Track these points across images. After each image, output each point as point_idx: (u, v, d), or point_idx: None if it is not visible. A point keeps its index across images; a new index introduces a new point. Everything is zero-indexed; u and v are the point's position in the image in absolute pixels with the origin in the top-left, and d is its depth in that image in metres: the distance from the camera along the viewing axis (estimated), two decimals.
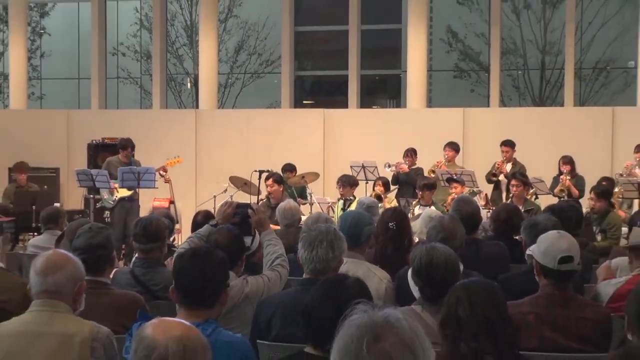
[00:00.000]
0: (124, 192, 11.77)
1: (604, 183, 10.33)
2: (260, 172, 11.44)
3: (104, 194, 12.01)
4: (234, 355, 3.31)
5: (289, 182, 11.97)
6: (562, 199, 11.05)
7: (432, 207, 9.78)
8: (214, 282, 3.52)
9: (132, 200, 11.91)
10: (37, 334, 3.36)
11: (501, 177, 12.11)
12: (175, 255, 4.12)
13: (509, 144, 12.39)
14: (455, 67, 22.16)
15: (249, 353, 3.43)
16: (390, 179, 12.05)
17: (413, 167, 12.51)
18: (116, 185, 11.69)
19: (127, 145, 12.10)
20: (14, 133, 15.90)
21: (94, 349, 3.35)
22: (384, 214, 5.99)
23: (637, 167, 11.88)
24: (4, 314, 4.06)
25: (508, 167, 12.17)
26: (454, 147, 12.67)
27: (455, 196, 10.58)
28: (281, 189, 10.49)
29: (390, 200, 11.40)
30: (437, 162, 12.35)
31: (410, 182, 11.81)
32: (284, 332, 4.03)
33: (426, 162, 12.63)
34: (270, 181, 10.44)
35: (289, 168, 12.74)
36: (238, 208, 5.06)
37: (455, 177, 11.17)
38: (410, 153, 12.62)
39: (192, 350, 2.18)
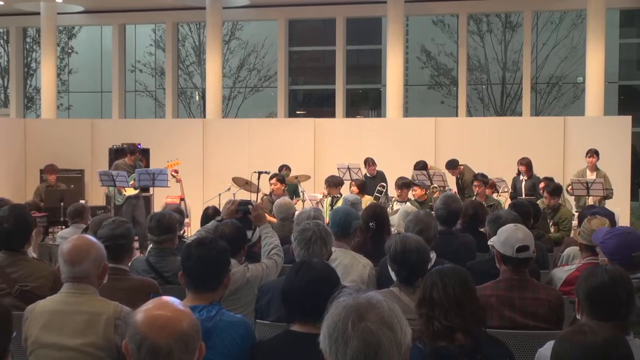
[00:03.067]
0: (130, 191, 11.81)
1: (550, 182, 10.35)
2: (260, 173, 11.42)
3: (113, 193, 12.00)
4: (235, 333, 3.29)
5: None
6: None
7: (408, 203, 9.79)
8: (217, 267, 3.51)
9: (138, 198, 11.95)
10: (68, 312, 3.37)
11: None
12: (184, 244, 4.12)
13: (450, 167, 12.26)
14: (428, 81, 22.20)
15: (248, 331, 3.40)
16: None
17: (374, 174, 12.56)
18: (129, 186, 11.70)
19: (134, 150, 12.20)
20: (45, 139, 15.84)
21: (117, 326, 3.35)
22: (366, 213, 5.92)
23: (587, 169, 11.88)
24: (34, 297, 4.05)
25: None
26: (451, 165, 12.47)
27: (414, 197, 10.69)
28: (283, 187, 10.56)
29: (367, 200, 11.41)
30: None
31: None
32: (283, 314, 4.01)
33: (402, 164, 12.62)
34: (274, 180, 10.51)
35: (284, 167, 12.83)
36: (240, 206, 5.06)
37: (417, 182, 11.19)
38: (370, 162, 12.64)
39: (190, 339, 2.11)
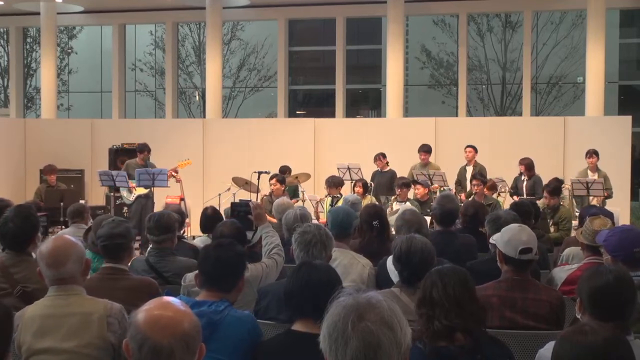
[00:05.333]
0: (141, 191, 11.85)
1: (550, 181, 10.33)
2: (259, 173, 11.43)
3: (124, 192, 12.09)
4: (243, 328, 3.35)
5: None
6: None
7: (408, 203, 9.79)
8: (233, 269, 3.56)
9: (148, 198, 11.96)
10: (59, 315, 3.34)
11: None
12: (202, 247, 4.12)
13: (472, 146, 12.39)
14: (428, 81, 22.20)
15: (255, 325, 3.46)
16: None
17: (385, 170, 12.55)
18: (134, 185, 11.75)
19: (143, 149, 12.19)
20: (45, 139, 15.82)
21: (109, 324, 3.34)
22: (366, 212, 5.88)
23: (589, 170, 11.86)
24: (35, 300, 4.04)
25: (469, 168, 12.18)
26: (425, 149, 12.63)
27: (416, 195, 10.70)
28: (283, 188, 10.57)
29: (369, 200, 11.40)
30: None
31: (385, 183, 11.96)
32: (282, 317, 4.00)
33: (401, 164, 12.65)
34: (274, 180, 10.53)
35: (285, 169, 12.79)
36: (237, 207, 5.03)
37: (420, 181, 11.19)
38: (380, 157, 12.65)
39: (191, 340, 2.11)
